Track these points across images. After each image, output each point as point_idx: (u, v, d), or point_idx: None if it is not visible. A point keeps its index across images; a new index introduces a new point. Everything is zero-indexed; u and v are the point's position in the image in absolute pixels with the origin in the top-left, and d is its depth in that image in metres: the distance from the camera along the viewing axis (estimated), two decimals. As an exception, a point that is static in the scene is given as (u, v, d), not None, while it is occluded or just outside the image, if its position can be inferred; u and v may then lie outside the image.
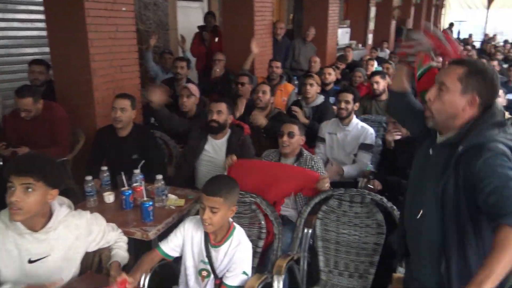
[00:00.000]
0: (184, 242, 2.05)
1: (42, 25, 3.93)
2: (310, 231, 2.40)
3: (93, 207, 2.46)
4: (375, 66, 6.21)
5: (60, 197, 1.85)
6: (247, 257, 2.00)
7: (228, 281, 1.94)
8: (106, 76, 3.59)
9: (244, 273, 1.96)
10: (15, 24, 4.67)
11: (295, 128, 2.76)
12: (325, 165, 3.15)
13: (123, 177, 2.54)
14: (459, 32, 17.30)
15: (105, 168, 2.69)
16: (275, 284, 2.05)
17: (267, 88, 3.69)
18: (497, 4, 18.03)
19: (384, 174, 3.00)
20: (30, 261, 1.73)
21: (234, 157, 2.67)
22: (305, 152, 2.81)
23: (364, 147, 3.26)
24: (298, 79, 5.63)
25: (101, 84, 3.56)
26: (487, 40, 14.87)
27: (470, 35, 14.81)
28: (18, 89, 3.21)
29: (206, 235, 2.00)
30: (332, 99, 4.51)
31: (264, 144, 3.38)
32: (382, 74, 4.46)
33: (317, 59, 5.78)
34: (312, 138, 3.45)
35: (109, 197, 2.56)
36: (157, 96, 3.21)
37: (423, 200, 1.56)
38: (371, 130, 3.32)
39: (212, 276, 2.02)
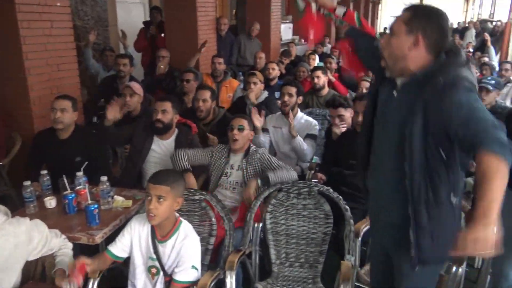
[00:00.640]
0: (132, 240, 2.02)
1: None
2: (260, 225, 2.43)
3: (33, 214, 2.34)
4: (317, 61, 6.37)
5: (-5, 204, 1.75)
6: (195, 251, 2.00)
7: (177, 277, 1.93)
8: (42, 75, 3.43)
9: (194, 267, 1.95)
10: None
11: (245, 122, 2.77)
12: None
13: (65, 181, 2.44)
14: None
15: (45, 172, 2.57)
16: (227, 280, 2.06)
17: (207, 94, 3.41)
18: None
19: (328, 165, 3.08)
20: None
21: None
22: (252, 147, 2.83)
23: (310, 136, 3.33)
24: (243, 75, 5.65)
25: (36, 83, 3.39)
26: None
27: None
28: None
29: (153, 231, 1.98)
30: (277, 94, 4.57)
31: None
32: (323, 69, 4.56)
33: (263, 55, 5.82)
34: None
35: (51, 202, 2.45)
36: (114, 114, 3.01)
37: (389, 139, 1.60)
38: (314, 122, 3.40)
39: (161, 273, 2.00)
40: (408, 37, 1.51)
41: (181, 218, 2.05)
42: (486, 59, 6.52)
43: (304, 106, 4.32)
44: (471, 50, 9.78)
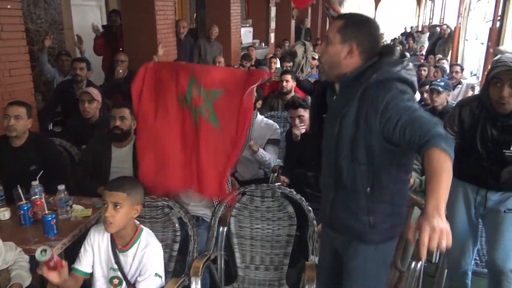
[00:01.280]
0: (93, 252, 1.96)
1: None
2: (225, 229, 2.42)
3: (-15, 226, 2.24)
4: (278, 64, 6.45)
5: None
6: (158, 258, 1.97)
7: (140, 286, 1.89)
8: (-8, 80, 3.27)
9: (157, 275, 1.92)
10: None
11: (126, 112, 2.76)
12: None
13: (20, 191, 2.34)
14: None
15: (-4, 182, 2.46)
16: (192, 286, 2.05)
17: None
18: (383, 5, 19.81)
19: (290, 167, 3.12)
20: None
21: None
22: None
23: (272, 141, 3.33)
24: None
25: (-14, 89, 3.23)
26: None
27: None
28: None
29: (113, 240, 1.94)
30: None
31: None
32: (292, 73, 4.64)
33: (222, 59, 5.81)
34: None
35: (4, 214, 2.35)
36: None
37: (331, 135, 1.65)
38: (275, 126, 3.39)
39: (124, 283, 1.95)
40: (343, 46, 1.59)
41: (142, 226, 2.01)
42: (444, 61, 6.87)
43: (269, 109, 4.36)
44: (424, 53, 10.24)
